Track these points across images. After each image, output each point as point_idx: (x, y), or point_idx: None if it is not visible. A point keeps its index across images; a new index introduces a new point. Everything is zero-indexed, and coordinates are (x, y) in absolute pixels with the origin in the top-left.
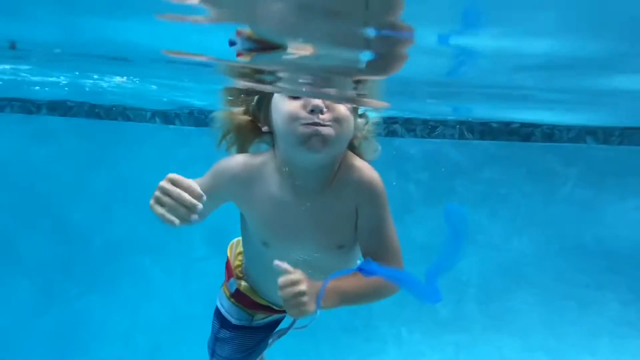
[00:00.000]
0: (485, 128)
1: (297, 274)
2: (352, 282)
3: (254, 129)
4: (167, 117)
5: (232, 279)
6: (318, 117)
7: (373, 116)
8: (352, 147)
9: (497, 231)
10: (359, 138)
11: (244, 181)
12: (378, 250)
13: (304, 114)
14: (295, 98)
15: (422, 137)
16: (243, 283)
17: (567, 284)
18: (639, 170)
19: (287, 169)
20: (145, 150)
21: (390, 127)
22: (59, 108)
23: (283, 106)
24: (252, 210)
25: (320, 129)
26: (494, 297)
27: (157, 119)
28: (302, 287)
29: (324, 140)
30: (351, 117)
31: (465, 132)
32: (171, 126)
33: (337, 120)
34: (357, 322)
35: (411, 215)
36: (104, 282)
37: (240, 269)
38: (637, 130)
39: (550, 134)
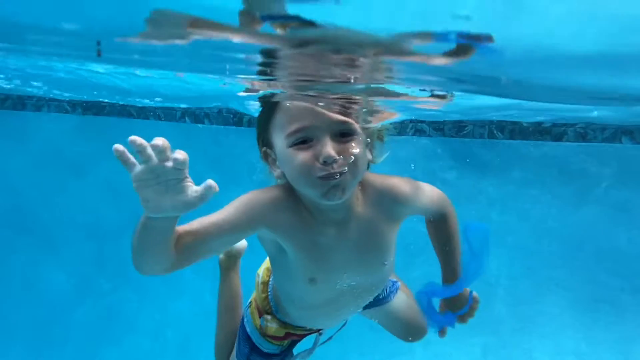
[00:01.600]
0: (516, 127)
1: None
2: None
3: None
4: (196, 116)
5: (262, 318)
6: (332, 167)
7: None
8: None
9: (527, 233)
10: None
11: (281, 216)
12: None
13: (317, 165)
14: (302, 145)
15: (450, 136)
16: (270, 324)
17: (600, 287)
18: None
19: (312, 206)
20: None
21: (417, 125)
22: (93, 107)
23: (292, 159)
24: (296, 248)
25: (338, 180)
26: (523, 299)
27: (187, 119)
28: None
29: (343, 189)
30: (364, 150)
31: (495, 131)
32: (200, 125)
33: (352, 163)
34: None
35: None
36: (136, 278)
37: (267, 301)
38: None
39: (583, 133)
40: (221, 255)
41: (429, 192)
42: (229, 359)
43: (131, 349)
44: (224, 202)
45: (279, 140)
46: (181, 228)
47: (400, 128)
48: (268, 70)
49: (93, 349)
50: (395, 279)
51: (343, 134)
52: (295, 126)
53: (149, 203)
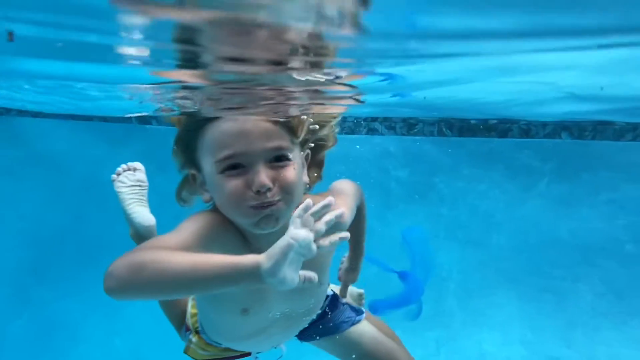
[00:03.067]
0: (464, 124)
1: None
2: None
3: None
4: (143, 117)
5: (188, 332)
6: (266, 196)
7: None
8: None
9: (476, 227)
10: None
11: (221, 245)
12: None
13: (249, 194)
14: (234, 172)
15: (402, 134)
16: (193, 346)
17: (544, 277)
18: (611, 164)
19: (247, 232)
20: (121, 149)
21: (370, 124)
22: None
23: (222, 186)
24: None
25: (271, 209)
26: (473, 292)
27: (134, 119)
28: None
29: (277, 218)
30: (300, 174)
31: (444, 129)
32: (148, 126)
33: (287, 191)
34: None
35: (392, 212)
36: (80, 285)
37: (196, 319)
38: (608, 126)
39: (527, 129)
40: (131, 231)
41: (357, 195)
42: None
43: None
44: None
45: (208, 165)
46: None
47: (354, 127)
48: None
49: None
50: (354, 314)
51: (278, 159)
52: (226, 152)
53: (281, 265)
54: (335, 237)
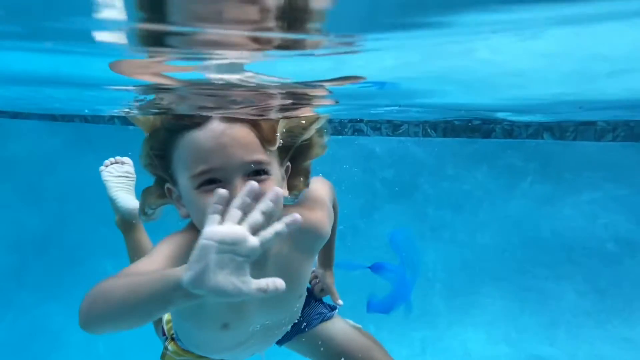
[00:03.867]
0: (448, 125)
1: None
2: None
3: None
4: (125, 118)
5: (164, 337)
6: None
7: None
8: (299, 148)
9: (461, 227)
10: (312, 133)
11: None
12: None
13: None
14: (210, 187)
15: (387, 135)
16: (169, 353)
17: (527, 276)
18: (592, 164)
19: None
20: (104, 152)
21: (356, 125)
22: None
23: (198, 202)
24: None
25: None
26: (458, 292)
27: (116, 120)
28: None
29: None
30: (278, 186)
31: (429, 130)
32: (130, 127)
33: None
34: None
35: (377, 212)
36: (63, 288)
37: (170, 326)
38: (589, 126)
39: (510, 130)
40: (117, 217)
41: (332, 196)
42: None
43: None
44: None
45: (184, 180)
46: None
47: (340, 127)
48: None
49: None
50: (326, 310)
51: (257, 173)
52: (202, 167)
53: (203, 273)
54: (279, 225)
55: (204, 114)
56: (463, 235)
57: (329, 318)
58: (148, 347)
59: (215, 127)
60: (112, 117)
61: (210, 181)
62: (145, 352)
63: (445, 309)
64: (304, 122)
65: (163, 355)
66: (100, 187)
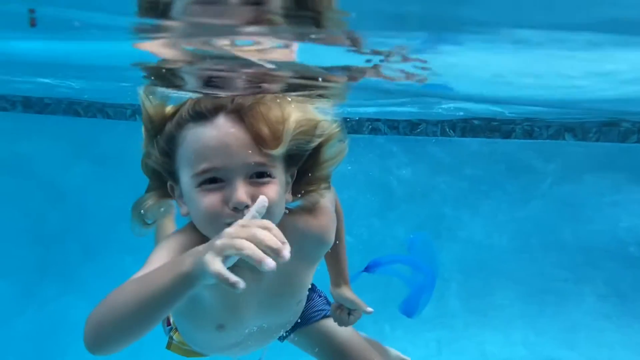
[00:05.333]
0: (467, 125)
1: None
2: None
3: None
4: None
5: (169, 327)
6: (243, 214)
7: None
8: (314, 152)
9: (478, 228)
10: (324, 141)
11: None
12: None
13: (226, 211)
14: (211, 186)
15: (405, 134)
16: (174, 342)
17: (546, 278)
18: (615, 166)
19: None
20: (123, 147)
21: (373, 124)
22: (35, 105)
23: (199, 201)
24: (207, 295)
25: None
26: (475, 293)
27: (138, 117)
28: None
29: None
30: (282, 193)
31: (447, 129)
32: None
33: (267, 209)
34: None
35: (394, 212)
36: (83, 282)
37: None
38: (613, 127)
39: (530, 130)
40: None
41: (332, 200)
42: None
43: (79, 357)
44: None
45: (185, 177)
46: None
47: (357, 126)
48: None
49: (37, 359)
50: (327, 307)
51: (259, 175)
52: (204, 166)
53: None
54: (258, 204)
55: (213, 92)
56: (480, 236)
57: (330, 315)
58: (164, 341)
59: (221, 125)
60: (133, 113)
61: (211, 180)
62: (162, 344)
63: (461, 310)
64: (313, 129)
65: (169, 345)
66: (120, 182)
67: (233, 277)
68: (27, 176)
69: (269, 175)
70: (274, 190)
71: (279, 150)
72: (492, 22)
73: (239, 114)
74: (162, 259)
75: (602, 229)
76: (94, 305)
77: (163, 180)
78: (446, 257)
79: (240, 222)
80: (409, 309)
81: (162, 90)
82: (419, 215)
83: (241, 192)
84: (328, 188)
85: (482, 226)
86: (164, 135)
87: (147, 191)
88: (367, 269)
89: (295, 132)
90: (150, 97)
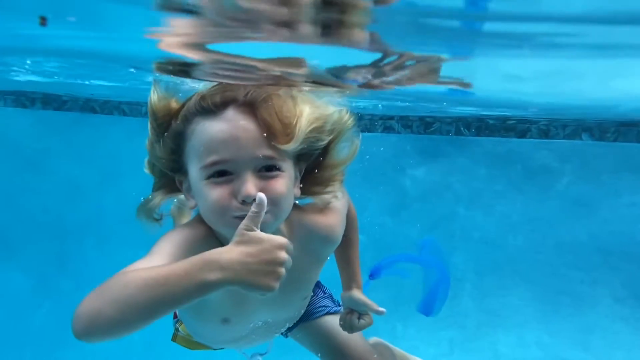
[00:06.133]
0: (482, 124)
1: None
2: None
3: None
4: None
5: (175, 319)
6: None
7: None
8: (327, 149)
9: (493, 228)
10: (336, 139)
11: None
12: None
13: (234, 204)
14: (220, 179)
15: (419, 133)
16: (180, 334)
17: (561, 280)
18: (633, 166)
19: (226, 244)
20: (139, 144)
21: (386, 123)
22: (53, 102)
23: (207, 194)
24: None
25: None
26: (489, 293)
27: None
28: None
29: (262, 229)
30: (291, 187)
31: (462, 128)
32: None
33: (274, 203)
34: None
35: (407, 211)
36: (99, 276)
37: None
38: (632, 127)
39: (546, 130)
40: (173, 209)
41: (345, 203)
42: None
43: (94, 351)
44: None
45: (194, 169)
46: None
47: (370, 125)
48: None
49: (53, 352)
50: (332, 304)
51: (268, 168)
52: (213, 158)
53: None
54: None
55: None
56: (494, 236)
57: (334, 312)
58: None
59: (230, 117)
60: (121, 109)
61: (220, 173)
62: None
63: (474, 310)
64: (326, 127)
65: (174, 337)
66: (137, 179)
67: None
68: (45, 172)
69: (278, 169)
70: (282, 184)
71: (291, 147)
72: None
73: (251, 107)
74: (166, 252)
75: (619, 230)
76: None
77: (169, 177)
78: (460, 257)
79: (258, 240)
80: (427, 308)
81: (171, 80)
82: (432, 215)
83: (250, 185)
84: (340, 187)
85: (496, 226)
86: (173, 128)
87: (153, 190)
88: (372, 276)
89: (308, 131)
90: (158, 90)
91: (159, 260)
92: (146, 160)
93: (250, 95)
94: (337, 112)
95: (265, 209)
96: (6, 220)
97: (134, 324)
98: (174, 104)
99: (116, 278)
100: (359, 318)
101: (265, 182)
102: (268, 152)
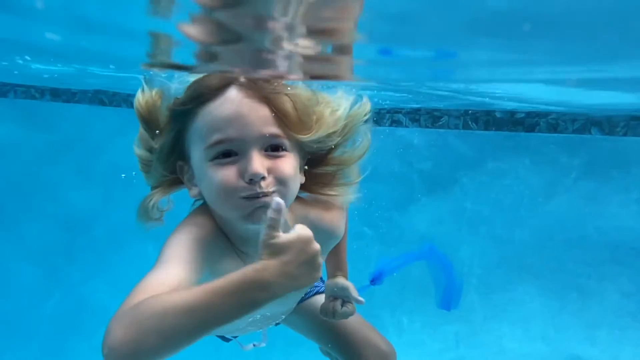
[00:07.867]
0: (490, 118)
1: None
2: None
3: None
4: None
5: None
6: (259, 186)
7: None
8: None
9: (500, 222)
10: (349, 127)
11: (216, 256)
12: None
13: (241, 184)
14: (225, 160)
15: (426, 127)
16: None
17: (568, 274)
18: None
19: (232, 235)
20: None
21: (394, 116)
22: (63, 94)
23: (212, 176)
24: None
25: (264, 200)
26: (495, 287)
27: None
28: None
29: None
30: (297, 170)
31: (470, 122)
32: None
33: (282, 182)
34: (358, 311)
35: (414, 205)
36: (108, 268)
37: None
38: None
39: (555, 124)
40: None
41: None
42: None
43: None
44: None
45: (197, 152)
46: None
47: (377, 118)
48: None
49: (62, 342)
50: (322, 284)
51: (274, 148)
52: (217, 137)
53: (297, 278)
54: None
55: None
56: (501, 231)
57: (324, 292)
58: None
59: (234, 96)
60: (130, 102)
61: (225, 154)
62: None
63: (480, 304)
64: (339, 125)
65: None
66: None
67: None
68: (55, 163)
69: (285, 149)
70: (289, 164)
71: (305, 138)
72: None
73: (255, 88)
74: (181, 258)
75: (627, 225)
76: (118, 289)
77: (166, 174)
78: (466, 252)
79: (288, 245)
80: (447, 302)
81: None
82: (439, 209)
83: (257, 162)
84: (354, 188)
85: (504, 220)
86: (171, 117)
87: (152, 188)
88: (373, 282)
89: (325, 135)
90: (147, 87)
91: (177, 270)
92: (139, 160)
93: (250, 79)
94: (352, 110)
95: (284, 212)
96: (17, 211)
97: (179, 349)
98: (160, 99)
99: (148, 304)
100: (342, 305)
101: (272, 161)
102: (275, 130)
